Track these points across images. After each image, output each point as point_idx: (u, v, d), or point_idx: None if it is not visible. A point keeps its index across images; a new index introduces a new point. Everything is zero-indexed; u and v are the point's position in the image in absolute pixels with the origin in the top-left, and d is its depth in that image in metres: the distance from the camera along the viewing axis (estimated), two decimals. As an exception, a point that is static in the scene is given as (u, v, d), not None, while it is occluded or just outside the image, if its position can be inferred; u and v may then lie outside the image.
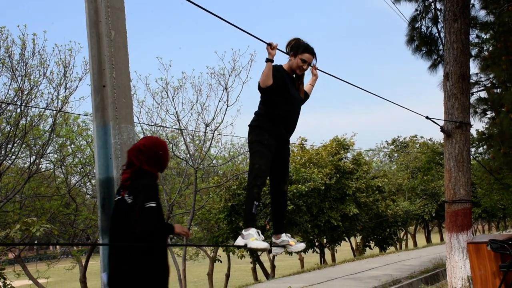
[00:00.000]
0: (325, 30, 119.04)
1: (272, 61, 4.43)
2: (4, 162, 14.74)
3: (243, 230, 4.47)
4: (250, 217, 4.47)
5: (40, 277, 15.93)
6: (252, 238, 4.33)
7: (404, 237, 39.13)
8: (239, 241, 4.41)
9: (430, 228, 40.61)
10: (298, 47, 4.71)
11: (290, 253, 5.17)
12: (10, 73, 14.17)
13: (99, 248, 3.74)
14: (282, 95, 4.60)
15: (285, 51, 4.83)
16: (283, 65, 4.77)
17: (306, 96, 5.04)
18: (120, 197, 3.69)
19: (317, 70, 5.11)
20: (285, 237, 4.76)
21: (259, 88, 4.56)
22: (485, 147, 17.40)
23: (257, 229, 4.45)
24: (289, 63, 4.76)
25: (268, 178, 4.80)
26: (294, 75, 4.82)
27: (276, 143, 4.63)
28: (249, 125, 4.77)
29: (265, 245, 4.34)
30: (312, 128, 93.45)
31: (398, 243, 32.24)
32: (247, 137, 4.81)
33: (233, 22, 4.21)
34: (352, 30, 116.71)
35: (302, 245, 4.85)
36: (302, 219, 19.10)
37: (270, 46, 4.42)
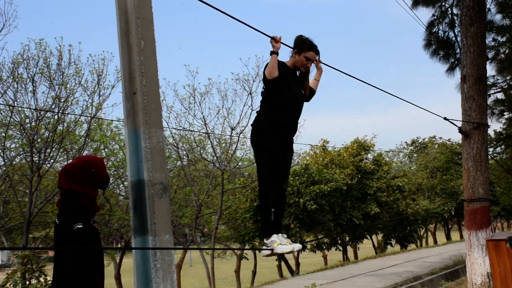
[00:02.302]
0: (344, 32, 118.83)
1: (277, 53, 4.32)
2: (43, 165, 15.32)
3: (265, 239, 4.40)
4: (269, 226, 4.36)
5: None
6: (276, 243, 4.27)
7: (425, 235, 39.09)
8: (265, 251, 4.37)
9: (450, 226, 40.49)
10: (302, 45, 4.56)
11: (281, 254, 4.86)
12: (48, 82, 14.83)
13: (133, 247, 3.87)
14: (283, 92, 4.44)
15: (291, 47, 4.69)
16: (286, 62, 4.61)
17: (312, 92, 4.83)
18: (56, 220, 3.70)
19: (321, 64, 4.88)
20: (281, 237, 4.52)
21: (265, 80, 4.41)
22: (503, 147, 17.69)
23: (277, 233, 4.37)
24: (293, 60, 4.62)
25: None
26: (297, 72, 4.68)
27: (280, 144, 4.47)
28: (251, 125, 4.62)
29: (290, 248, 4.29)
30: (334, 130, 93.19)
31: (418, 241, 32.31)
32: (250, 138, 4.66)
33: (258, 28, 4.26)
34: (370, 32, 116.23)
35: (298, 246, 4.57)
36: (325, 218, 19.49)
37: (274, 40, 4.31)
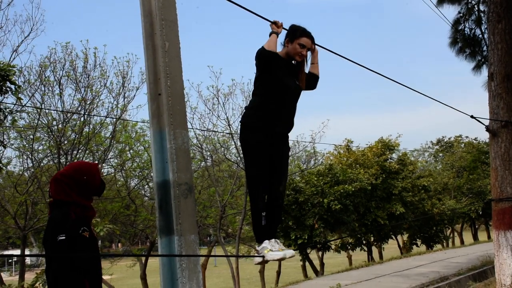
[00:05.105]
0: (369, 30, 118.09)
1: (277, 34, 4.10)
2: (70, 167, 15.64)
3: (257, 246, 4.19)
4: (261, 231, 4.11)
5: (104, 274, 16.84)
6: (266, 250, 4.03)
7: (451, 235, 38.70)
8: (257, 259, 4.13)
9: (477, 226, 40.01)
10: (294, 32, 4.22)
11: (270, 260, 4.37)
12: (74, 85, 15.14)
13: (158, 248, 3.86)
14: (275, 84, 4.10)
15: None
16: (278, 52, 4.23)
17: (315, 77, 4.45)
18: None
19: (314, 45, 4.42)
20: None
21: (262, 53, 4.06)
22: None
23: (269, 238, 4.11)
24: (285, 50, 4.26)
25: None
26: (293, 62, 4.31)
27: (271, 140, 4.12)
28: (240, 122, 4.27)
29: (281, 254, 4.02)
30: (358, 130, 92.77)
31: (444, 241, 32.01)
32: (239, 134, 4.43)
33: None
34: (396, 31, 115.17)
35: (290, 252, 4.22)
36: (350, 218, 19.43)
37: (276, 25, 4.11)
